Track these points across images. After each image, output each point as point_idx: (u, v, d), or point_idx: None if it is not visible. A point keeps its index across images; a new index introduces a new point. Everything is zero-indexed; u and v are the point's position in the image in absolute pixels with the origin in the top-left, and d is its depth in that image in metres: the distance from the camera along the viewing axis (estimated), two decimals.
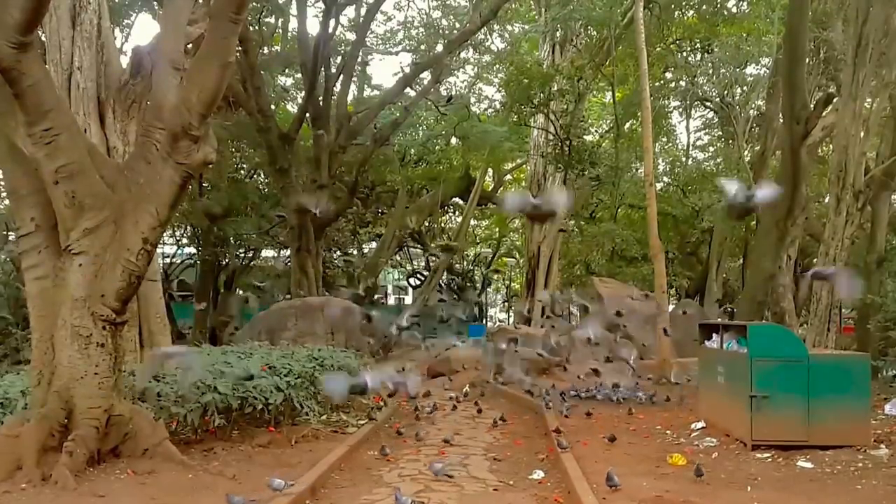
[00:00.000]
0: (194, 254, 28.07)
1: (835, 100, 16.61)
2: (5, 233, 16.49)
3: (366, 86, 30.52)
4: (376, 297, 32.81)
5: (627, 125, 30.08)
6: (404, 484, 7.38)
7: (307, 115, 21.34)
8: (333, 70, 22.49)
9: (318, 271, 21.63)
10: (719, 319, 16.74)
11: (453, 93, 28.39)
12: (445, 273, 34.66)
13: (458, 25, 26.28)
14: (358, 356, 12.64)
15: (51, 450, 6.91)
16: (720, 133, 31.30)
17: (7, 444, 6.83)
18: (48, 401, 7.20)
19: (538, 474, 7.89)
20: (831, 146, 18.62)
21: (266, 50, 24.58)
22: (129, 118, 9.43)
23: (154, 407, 8.10)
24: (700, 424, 10.10)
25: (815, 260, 16.92)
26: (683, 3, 26.79)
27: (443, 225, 37.61)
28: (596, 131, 33.51)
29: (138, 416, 7.65)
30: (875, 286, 15.61)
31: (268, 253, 31.44)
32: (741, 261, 29.49)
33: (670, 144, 35.13)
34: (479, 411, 12.37)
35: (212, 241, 23.63)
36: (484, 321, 40.29)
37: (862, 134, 13.27)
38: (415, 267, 40.86)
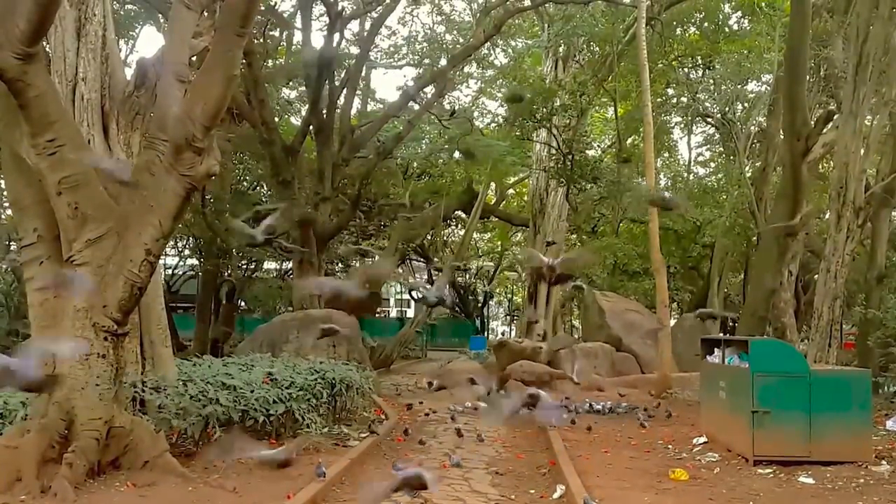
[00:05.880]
0: (196, 265, 28.09)
1: (835, 117, 16.66)
2: (7, 243, 16.53)
3: (369, 99, 30.63)
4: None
5: (629, 140, 30.16)
6: (403, 497, 7.35)
7: (310, 127, 21.41)
8: (337, 83, 22.58)
9: None
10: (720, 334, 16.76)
11: (456, 107, 28.47)
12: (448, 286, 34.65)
13: (461, 40, 26.41)
14: (360, 368, 12.63)
15: (51, 461, 6.89)
16: (721, 149, 31.36)
17: (7, 455, 6.80)
18: (48, 412, 7.19)
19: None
20: (832, 163, 18.65)
21: (270, 63, 24.69)
22: (133, 129, 9.45)
23: (155, 419, 8.09)
24: (702, 439, 10.10)
25: (815, 276, 16.92)
26: (685, 20, 26.93)
27: (445, 238, 37.63)
28: (598, 146, 33.59)
29: (139, 428, 7.63)
30: (875, 302, 15.62)
31: (270, 265, 31.48)
32: (742, 276, 29.48)
33: (672, 160, 35.21)
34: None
35: (214, 253, 23.65)
36: (486, 334, 40.33)
37: (862, 151, 13.28)
38: (416, 280, 40.87)
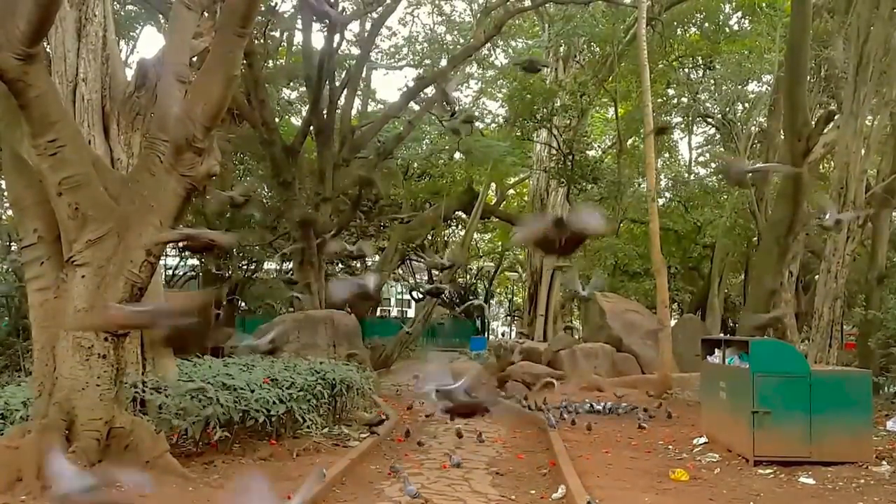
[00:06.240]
0: (197, 266, 28.07)
1: (836, 117, 16.67)
2: (8, 244, 16.51)
3: (370, 100, 30.64)
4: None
5: (630, 141, 30.19)
6: (404, 498, 7.37)
7: (311, 128, 21.42)
8: (338, 84, 22.58)
9: (321, 284, 21.64)
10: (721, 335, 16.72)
11: (457, 108, 28.46)
12: (449, 287, 34.67)
13: (462, 41, 26.42)
14: (360, 369, 12.62)
15: None
16: (722, 149, 31.38)
17: (7, 455, 6.80)
18: (49, 412, 7.19)
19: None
20: (832, 163, 18.65)
21: (271, 63, 24.69)
22: (134, 130, 9.45)
23: (155, 419, 8.09)
24: (702, 440, 10.09)
25: (816, 277, 16.92)
26: (686, 21, 26.96)
27: (446, 238, 37.64)
28: (599, 146, 33.61)
29: (139, 429, 7.62)
30: (876, 303, 15.62)
31: (270, 265, 31.46)
32: (743, 276, 29.49)
33: (672, 160, 35.22)
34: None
35: (214, 254, 23.63)
36: (486, 335, 40.32)
37: (863, 151, 13.30)
38: (417, 281, 40.91)
